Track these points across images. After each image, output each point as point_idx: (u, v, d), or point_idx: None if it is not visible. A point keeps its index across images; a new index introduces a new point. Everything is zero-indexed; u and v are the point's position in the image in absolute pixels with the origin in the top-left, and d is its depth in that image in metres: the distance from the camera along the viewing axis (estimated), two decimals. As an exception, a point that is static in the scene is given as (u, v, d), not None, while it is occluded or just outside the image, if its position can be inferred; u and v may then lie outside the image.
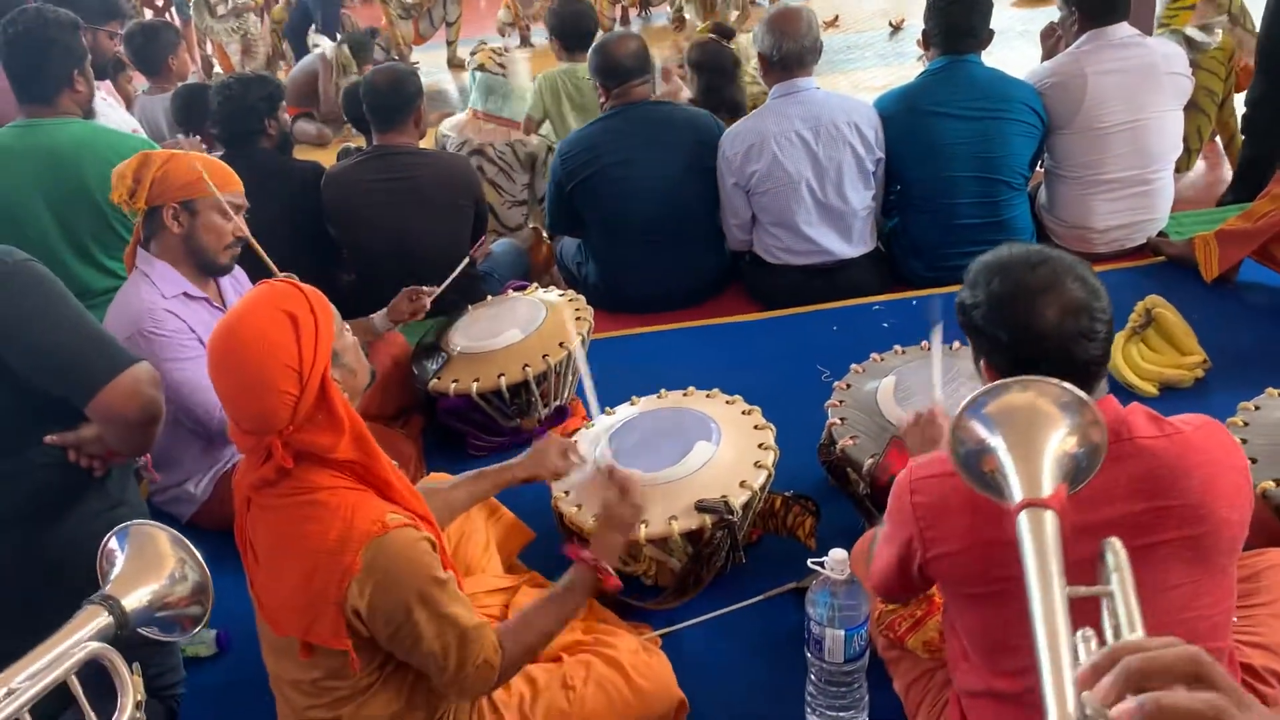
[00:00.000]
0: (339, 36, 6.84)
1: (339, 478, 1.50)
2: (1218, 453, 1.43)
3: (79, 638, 1.00)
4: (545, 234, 3.98)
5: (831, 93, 3.29)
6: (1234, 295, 3.05)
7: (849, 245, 3.27)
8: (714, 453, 2.20)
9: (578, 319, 2.81)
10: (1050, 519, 0.88)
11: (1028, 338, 1.41)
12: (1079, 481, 0.98)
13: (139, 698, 0.97)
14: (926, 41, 3.30)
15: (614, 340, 3.24)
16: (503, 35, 8.31)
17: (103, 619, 1.03)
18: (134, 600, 1.07)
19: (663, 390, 2.52)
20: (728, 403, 2.41)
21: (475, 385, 2.67)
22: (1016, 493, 0.92)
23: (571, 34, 4.20)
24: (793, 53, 3.14)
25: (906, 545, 1.55)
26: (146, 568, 1.10)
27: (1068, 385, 0.98)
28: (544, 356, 2.70)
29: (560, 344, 2.72)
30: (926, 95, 3.23)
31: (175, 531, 1.13)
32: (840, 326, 3.16)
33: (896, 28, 7.51)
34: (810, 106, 3.16)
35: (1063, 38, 3.37)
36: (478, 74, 4.12)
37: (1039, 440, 0.95)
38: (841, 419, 2.28)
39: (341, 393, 1.50)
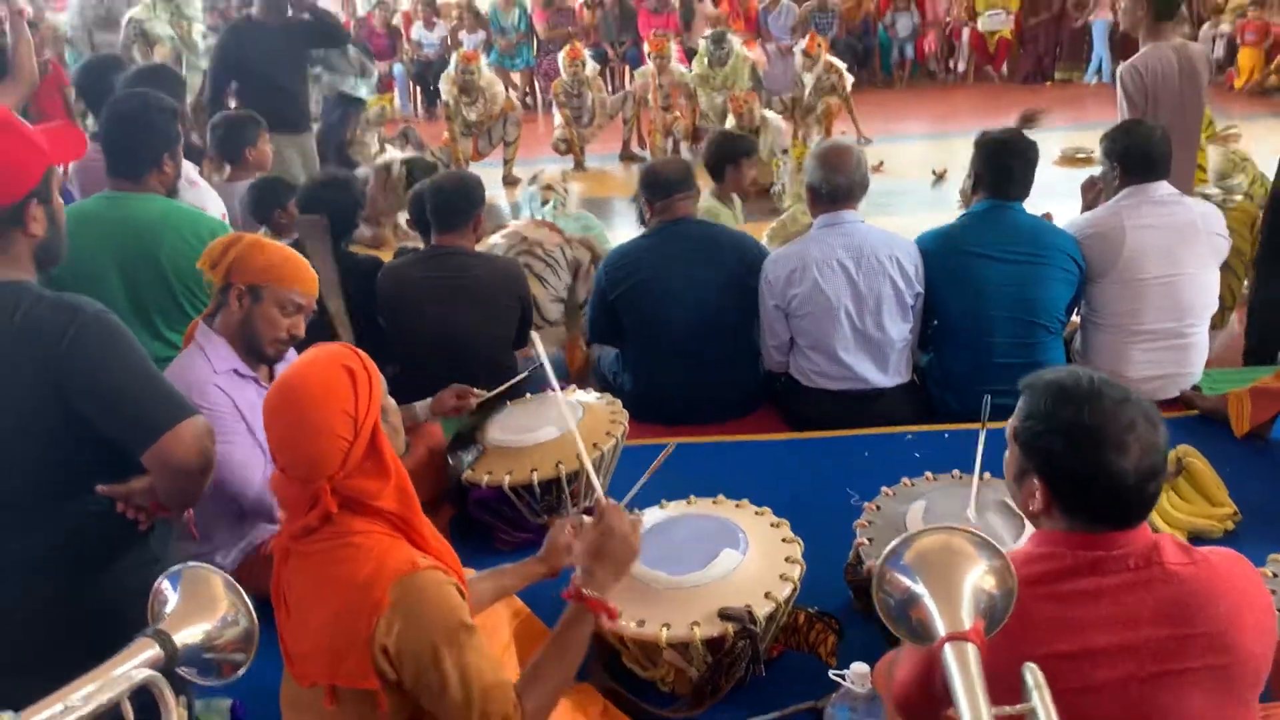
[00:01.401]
0: (403, 155, 7.11)
1: (375, 524, 1.55)
2: (1244, 584, 1.45)
3: (128, 667, 1.02)
4: (583, 341, 4.08)
5: (875, 226, 3.39)
6: (1265, 452, 3.06)
7: (884, 375, 3.32)
8: (740, 561, 2.21)
9: (613, 421, 2.87)
10: (972, 650, 0.96)
11: (1111, 473, 1.43)
12: (996, 624, 1.05)
13: None
14: (975, 185, 3.41)
15: (646, 448, 3.26)
16: (558, 152, 8.61)
17: (153, 651, 1.05)
18: (185, 637, 1.10)
19: (691, 496, 2.54)
20: (756, 513, 2.43)
21: (508, 478, 2.72)
22: (940, 629, 0.98)
23: None
24: (841, 186, 3.26)
25: (927, 659, 1.56)
26: (200, 608, 1.13)
27: (978, 531, 1.05)
28: (578, 455, 2.74)
29: (595, 444, 2.77)
30: (969, 236, 3.33)
31: (229, 576, 1.17)
32: (871, 453, 3.18)
33: (940, 176, 7.71)
34: (854, 237, 3.27)
35: (1103, 191, 3.48)
36: (541, 193, 4.34)
37: (957, 578, 1.02)
38: (870, 539, 2.29)
39: (389, 444, 1.57)
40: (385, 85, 11.16)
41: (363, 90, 7.58)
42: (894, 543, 1.02)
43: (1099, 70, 11.13)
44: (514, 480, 2.72)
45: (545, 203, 4.91)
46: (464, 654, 1.51)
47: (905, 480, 2.51)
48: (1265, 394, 3.03)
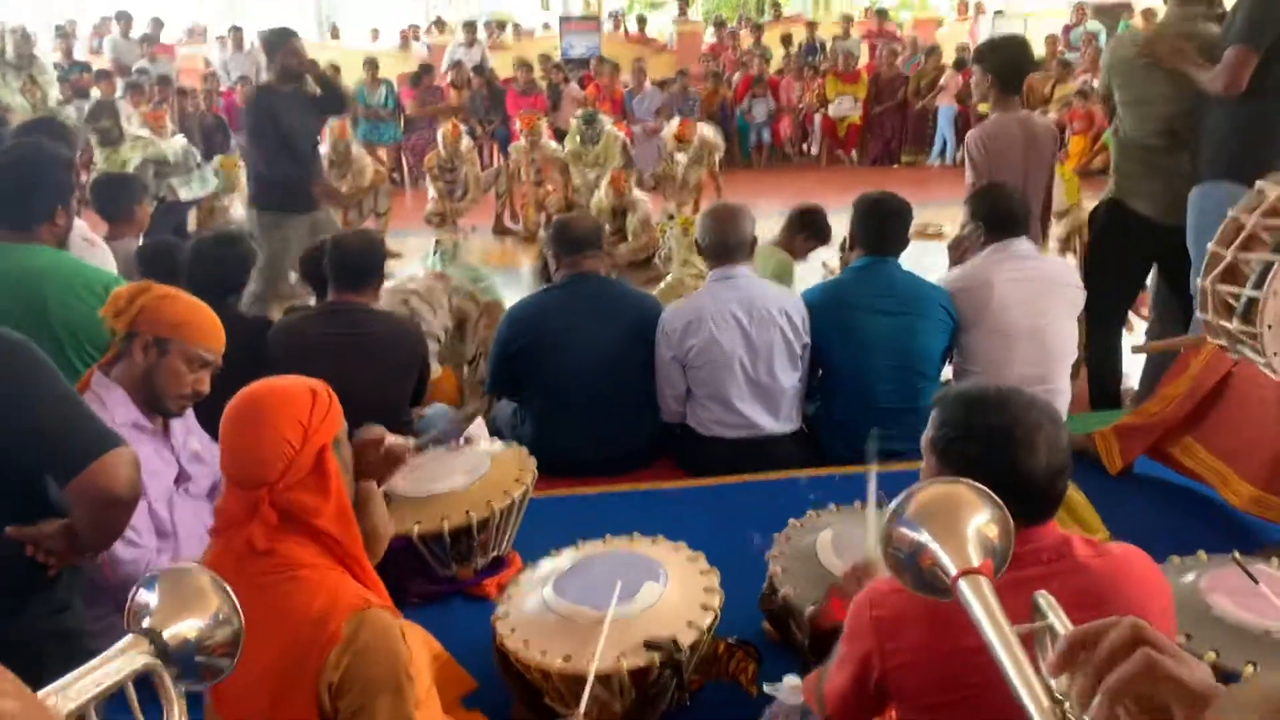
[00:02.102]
0: None
1: (321, 556, 1.54)
2: (1147, 573, 1.59)
3: (114, 666, 0.97)
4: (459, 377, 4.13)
5: (764, 280, 3.55)
6: (1129, 482, 3.31)
7: (776, 421, 3.45)
8: (662, 593, 2.25)
9: (523, 469, 2.89)
10: (985, 582, 1.01)
11: (1024, 472, 1.54)
12: (998, 569, 1.11)
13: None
14: (852, 243, 3.62)
15: (550, 500, 3.29)
16: (430, 225, 8.62)
17: (142, 650, 0.98)
18: (174, 636, 1.01)
19: (607, 536, 2.58)
20: (673, 548, 2.48)
21: (416, 528, 2.69)
22: (950, 568, 1.04)
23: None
24: (732, 243, 3.42)
25: (864, 661, 1.63)
26: (187, 605, 1.05)
27: (977, 484, 1.12)
28: (488, 503, 2.74)
29: (505, 491, 2.78)
30: (851, 290, 3.52)
31: (215, 574, 1.12)
32: (768, 497, 3.28)
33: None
34: (745, 291, 3.41)
35: (969, 249, 3.74)
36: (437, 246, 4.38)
37: (961, 522, 1.08)
38: (782, 569, 2.37)
39: (338, 467, 1.57)
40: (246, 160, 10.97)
41: (197, 188, 7.43)
42: (895, 502, 1.08)
43: (942, 152, 11.90)
44: (423, 530, 2.69)
45: (435, 252, 4.93)
46: (403, 707, 1.52)
47: (811, 512, 2.61)
48: (1130, 431, 3.28)
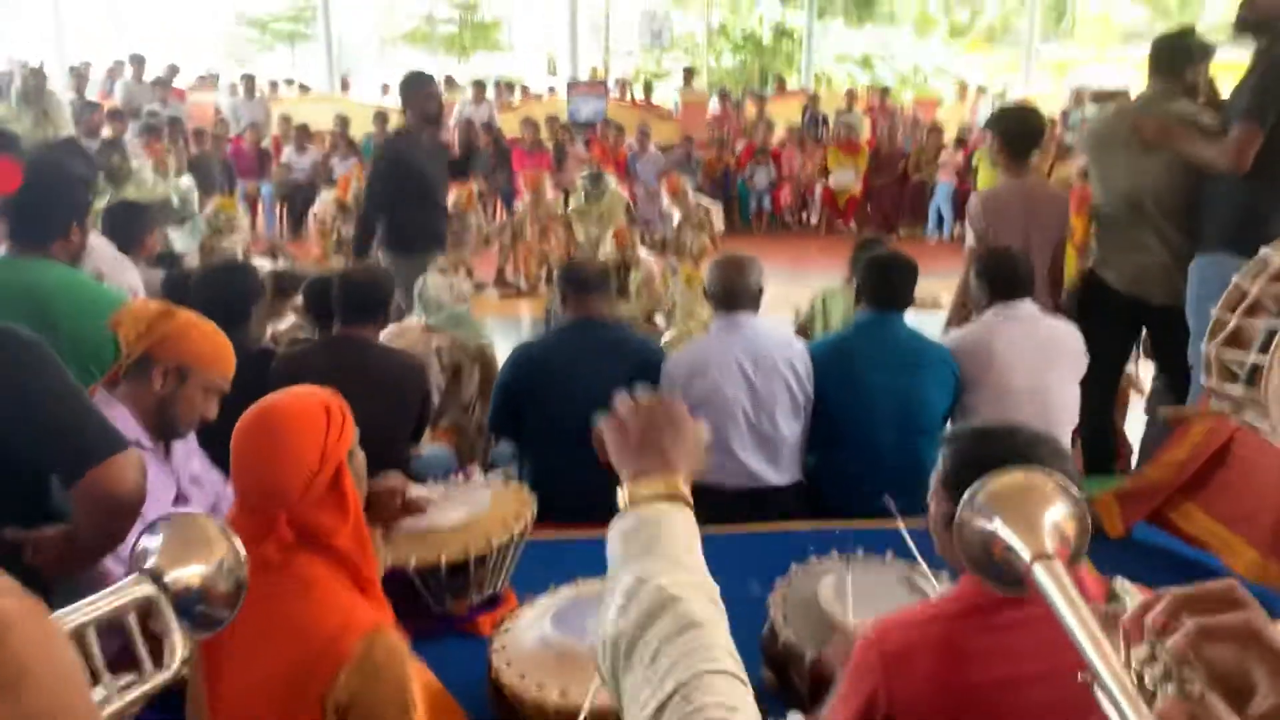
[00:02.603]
0: (271, 266, 7.03)
1: (337, 573, 1.52)
2: None
3: (118, 596, 0.94)
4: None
5: (771, 329, 3.56)
6: (1130, 547, 3.29)
7: (777, 472, 3.43)
8: (662, 632, 2.22)
9: (522, 504, 2.88)
10: (1059, 566, 0.97)
11: None
12: (1074, 562, 1.06)
13: (185, 655, 0.94)
14: (857, 298, 3.64)
15: (547, 542, 3.26)
16: (441, 274, 8.65)
17: (145, 589, 0.94)
18: (178, 580, 0.98)
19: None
20: (673, 590, 2.45)
21: (413, 560, 2.66)
22: (1023, 553, 0.99)
23: None
24: (739, 291, 3.44)
25: (869, 699, 1.61)
26: (191, 550, 1.01)
27: (1057, 474, 1.09)
28: (488, 538, 2.72)
29: (504, 528, 2.76)
30: (856, 344, 3.54)
31: (223, 522, 1.10)
32: (766, 548, 3.25)
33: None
34: (751, 339, 3.42)
35: (973, 309, 3.76)
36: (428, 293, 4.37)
37: (1036, 511, 1.03)
38: (785, 615, 2.35)
39: (353, 484, 1.55)
40: (251, 205, 11.07)
41: (191, 238, 7.48)
42: (968, 492, 1.04)
43: (940, 226, 12.04)
44: (420, 563, 2.66)
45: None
46: None
47: (814, 557, 2.59)
48: (1131, 496, 3.28)
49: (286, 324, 5.38)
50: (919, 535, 2.22)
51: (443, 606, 2.76)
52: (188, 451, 2.59)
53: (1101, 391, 4.13)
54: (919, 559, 2.42)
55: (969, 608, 1.58)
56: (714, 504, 3.40)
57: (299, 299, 4.15)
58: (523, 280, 9.09)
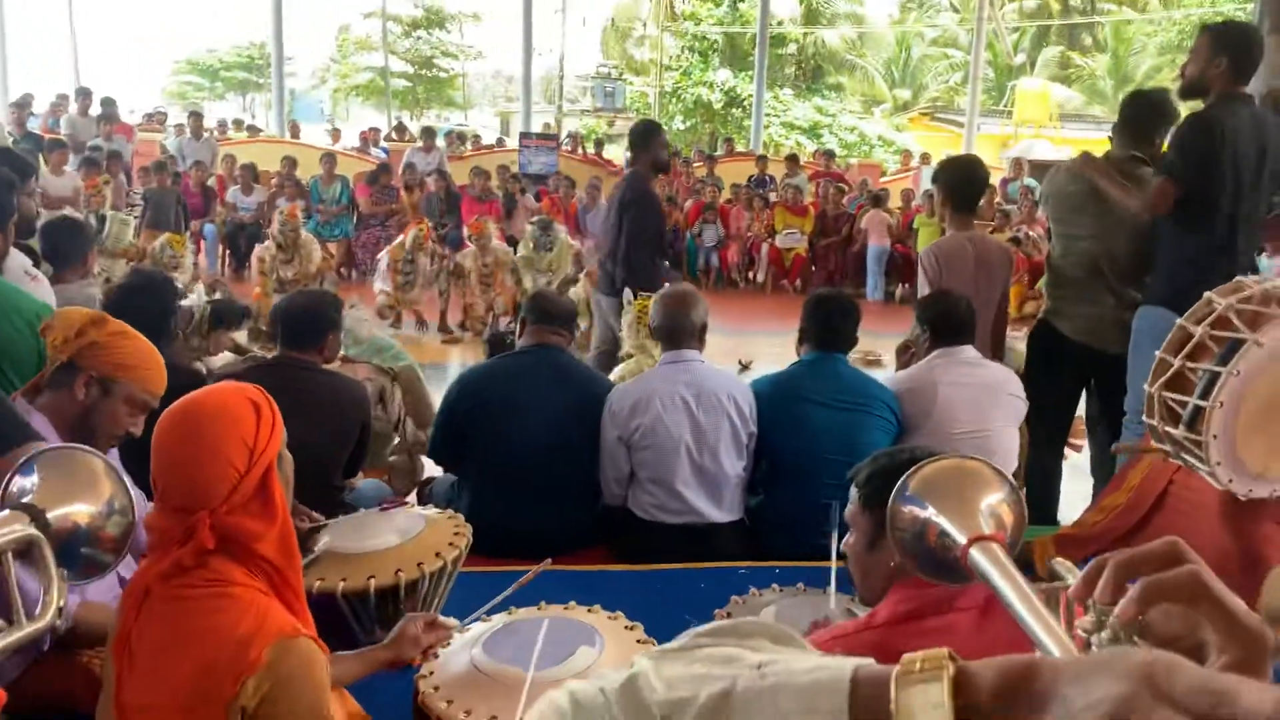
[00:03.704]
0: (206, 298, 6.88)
1: (254, 579, 1.44)
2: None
3: None
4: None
5: (715, 366, 3.54)
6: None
7: (719, 510, 3.39)
8: (597, 658, 2.15)
9: (456, 533, 2.79)
10: (997, 548, 0.93)
11: None
12: (1011, 550, 1.02)
13: (62, 602, 0.85)
14: (801, 338, 3.64)
15: (482, 575, 3.17)
16: (382, 318, 8.56)
17: (20, 527, 0.85)
18: (61, 517, 0.89)
19: (542, 603, 2.48)
20: (610, 618, 2.39)
21: (342, 585, 2.56)
22: (959, 538, 0.95)
23: None
24: (684, 326, 3.42)
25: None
26: (76, 488, 0.92)
27: (995, 466, 1.06)
28: (419, 564, 2.63)
29: (437, 554, 2.67)
30: (800, 383, 3.53)
31: (113, 462, 1.00)
32: (706, 585, 3.20)
33: (745, 366, 8.13)
34: (695, 375, 3.40)
35: (916, 353, 3.78)
36: None
37: (971, 495, 1.00)
38: (722, 643, 2.29)
39: (281, 488, 1.49)
40: (195, 243, 10.90)
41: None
42: (899, 483, 1.00)
43: (877, 287, 12.23)
44: (348, 587, 2.56)
45: None
46: None
47: (754, 590, 2.54)
48: (1068, 540, 3.27)
49: (221, 360, 5.26)
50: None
51: (371, 635, 2.65)
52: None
53: (1048, 436, 4.16)
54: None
55: (898, 615, 1.60)
56: (654, 540, 3.37)
57: (238, 333, 4.06)
58: (469, 326, 9.01)
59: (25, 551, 0.85)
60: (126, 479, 0.98)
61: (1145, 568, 0.71)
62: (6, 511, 0.87)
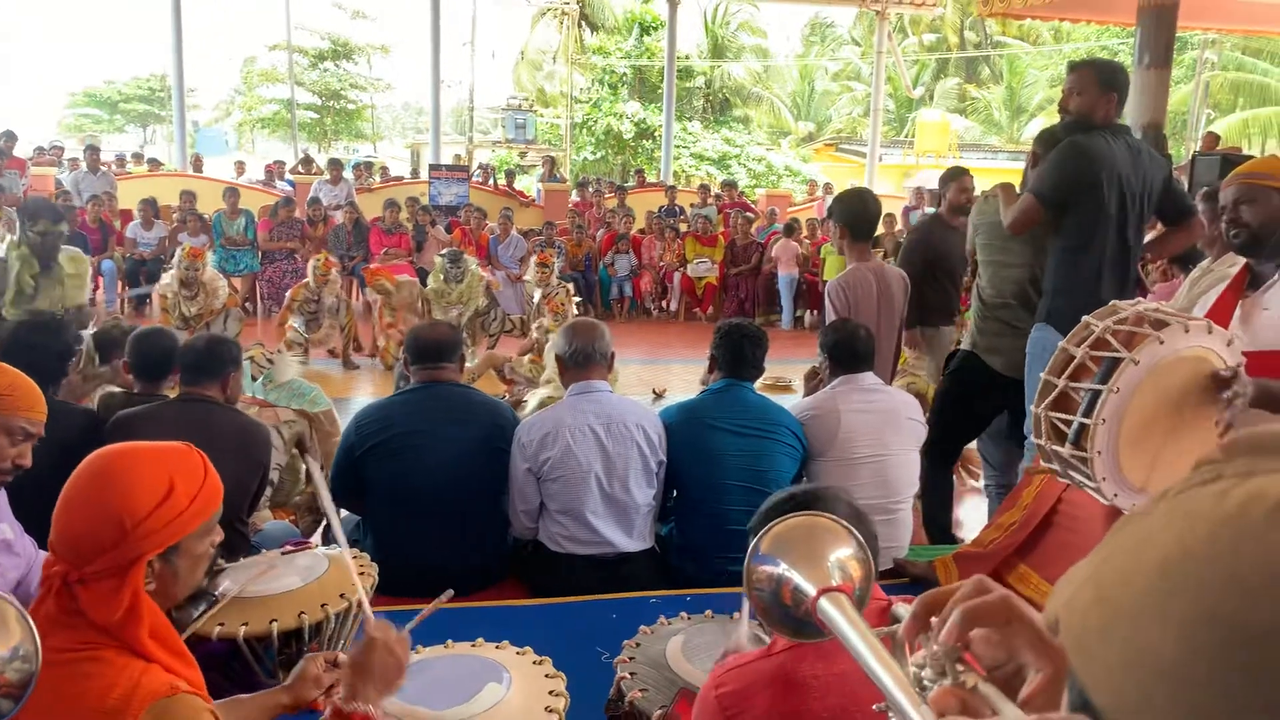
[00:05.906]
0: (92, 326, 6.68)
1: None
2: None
3: None
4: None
5: (623, 396, 3.57)
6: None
7: (630, 539, 3.40)
8: (505, 695, 2.15)
9: (361, 573, 2.75)
10: (844, 598, 0.97)
11: None
12: (859, 606, 1.06)
13: None
14: (711, 366, 3.69)
15: (389, 614, 3.12)
16: (290, 351, 8.39)
17: None
18: None
19: (449, 641, 2.46)
20: (518, 653, 2.38)
21: (244, 629, 2.50)
22: (809, 590, 0.98)
23: None
24: (589, 354, 3.44)
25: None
26: None
27: (840, 519, 1.10)
28: (323, 605, 2.58)
29: (341, 595, 2.63)
30: (707, 409, 3.58)
31: (20, 607, 0.99)
32: (618, 615, 3.20)
33: (659, 395, 8.18)
34: (604, 405, 3.42)
35: (823, 380, 3.86)
36: (250, 367, 4.25)
37: (819, 549, 1.04)
38: (631, 674, 2.30)
39: (145, 588, 1.44)
40: (93, 280, 10.55)
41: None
42: (752, 542, 1.03)
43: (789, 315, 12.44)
44: (250, 631, 2.51)
45: (255, 378, 4.75)
46: None
47: (662, 619, 2.56)
48: (968, 558, 3.38)
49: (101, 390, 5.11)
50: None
51: (274, 680, 2.60)
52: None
53: (947, 461, 4.28)
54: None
55: (795, 642, 1.60)
56: (566, 572, 3.37)
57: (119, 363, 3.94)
58: (379, 360, 8.90)
59: None
60: (34, 627, 0.95)
61: (960, 599, 0.77)
62: None
